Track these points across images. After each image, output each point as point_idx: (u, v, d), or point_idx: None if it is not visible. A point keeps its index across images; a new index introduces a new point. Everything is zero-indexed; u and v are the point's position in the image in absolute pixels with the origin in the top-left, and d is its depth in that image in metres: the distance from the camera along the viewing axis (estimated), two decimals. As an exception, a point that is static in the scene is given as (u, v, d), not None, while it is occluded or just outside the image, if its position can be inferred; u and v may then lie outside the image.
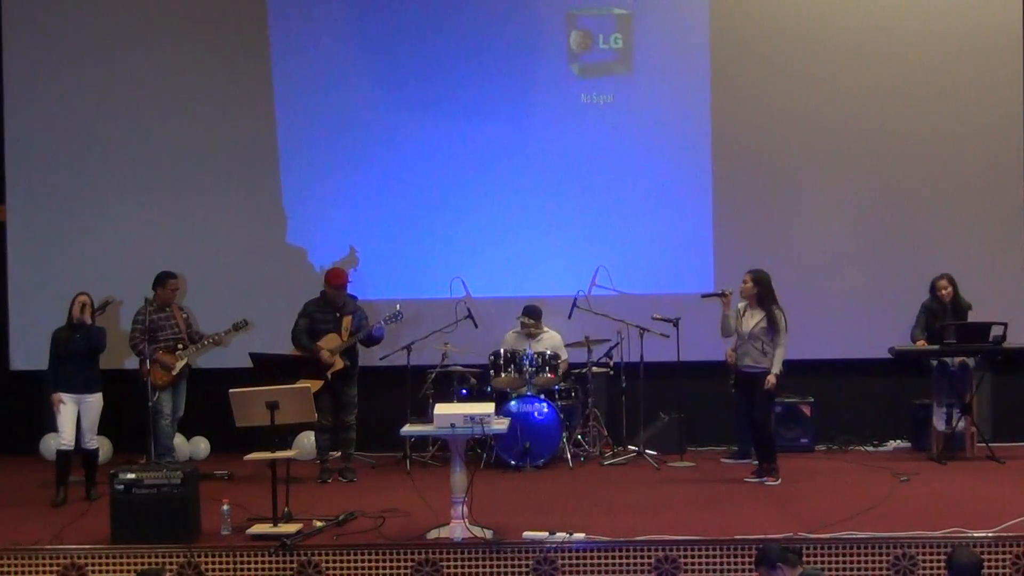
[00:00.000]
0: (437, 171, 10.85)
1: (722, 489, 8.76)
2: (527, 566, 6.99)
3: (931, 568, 6.85)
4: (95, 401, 8.82)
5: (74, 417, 8.73)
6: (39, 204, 10.97)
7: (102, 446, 10.31)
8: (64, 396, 8.71)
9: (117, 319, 10.26)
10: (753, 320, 8.86)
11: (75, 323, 8.74)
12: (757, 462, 9.08)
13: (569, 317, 10.21)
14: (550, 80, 10.83)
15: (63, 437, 8.72)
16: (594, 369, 10.27)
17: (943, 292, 9.76)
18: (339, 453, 9.70)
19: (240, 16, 10.93)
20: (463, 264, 10.73)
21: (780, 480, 8.87)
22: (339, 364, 9.46)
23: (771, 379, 8.82)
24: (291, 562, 7.05)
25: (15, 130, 11.02)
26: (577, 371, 10.33)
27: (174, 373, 9.51)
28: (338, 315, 9.56)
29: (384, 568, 7.03)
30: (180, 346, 9.55)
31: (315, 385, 8.84)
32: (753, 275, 8.95)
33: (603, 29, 10.84)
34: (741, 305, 9.01)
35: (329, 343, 9.46)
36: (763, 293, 8.92)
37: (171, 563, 7.05)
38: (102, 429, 10.13)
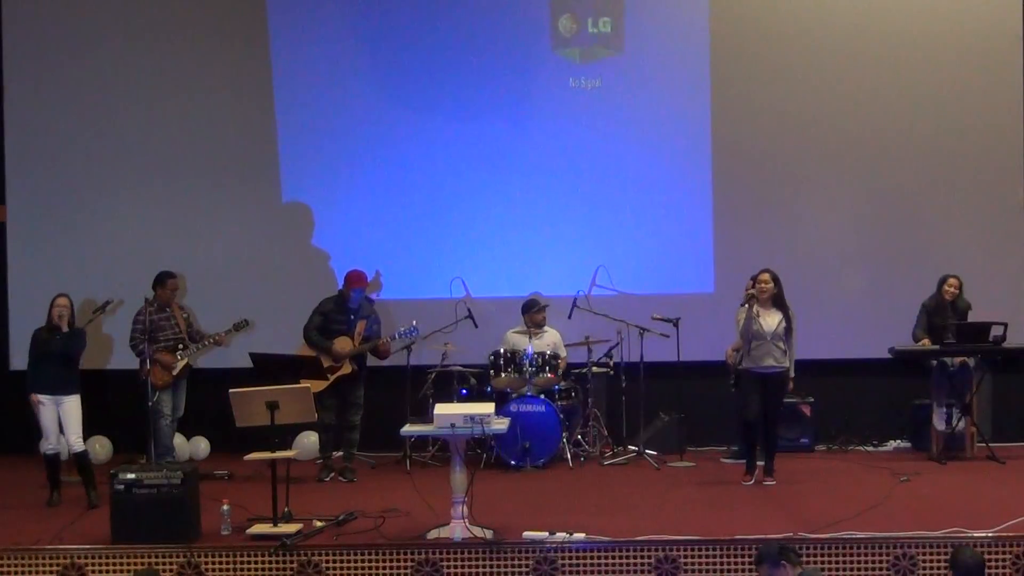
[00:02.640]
0: (437, 171, 10.85)
1: (722, 489, 8.76)
2: (527, 566, 6.99)
3: (931, 568, 6.85)
4: (73, 403, 8.71)
5: (55, 419, 8.67)
6: (39, 204, 10.98)
7: (102, 446, 10.38)
8: (42, 397, 8.65)
9: (117, 319, 10.26)
10: (775, 320, 8.79)
11: (53, 325, 8.69)
12: (762, 463, 9.02)
13: (569, 317, 10.22)
14: (548, 79, 10.81)
15: (48, 440, 8.68)
16: (594, 369, 10.27)
17: (950, 290, 9.76)
18: (340, 452, 9.70)
19: (240, 17, 10.93)
20: (463, 264, 10.74)
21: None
22: (347, 369, 9.46)
23: (791, 383, 8.94)
24: (291, 562, 7.05)
25: (15, 130, 11.03)
26: (577, 371, 10.33)
27: (174, 373, 9.51)
28: (352, 317, 9.56)
29: (384, 568, 7.04)
30: (180, 346, 9.54)
31: (316, 386, 8.85)
32: (772, 275, 8.87)
33: (590, 13, 10.81)
34: (753, 308, 8.84)
35: (341, 346, 9.46)
36: (780, 293, 8.90)
37: (171, 563, 7.05)
38: (102, 429, 10.20)
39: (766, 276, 8.87)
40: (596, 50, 10.85)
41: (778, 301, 8.87)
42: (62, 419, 8.69)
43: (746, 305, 8.85)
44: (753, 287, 8.92)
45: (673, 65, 10.79)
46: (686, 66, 10.78)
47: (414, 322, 9.70)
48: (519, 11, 10.85)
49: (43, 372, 8.70)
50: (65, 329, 8.68)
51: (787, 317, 8.84)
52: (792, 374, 8.92)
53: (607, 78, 10.81)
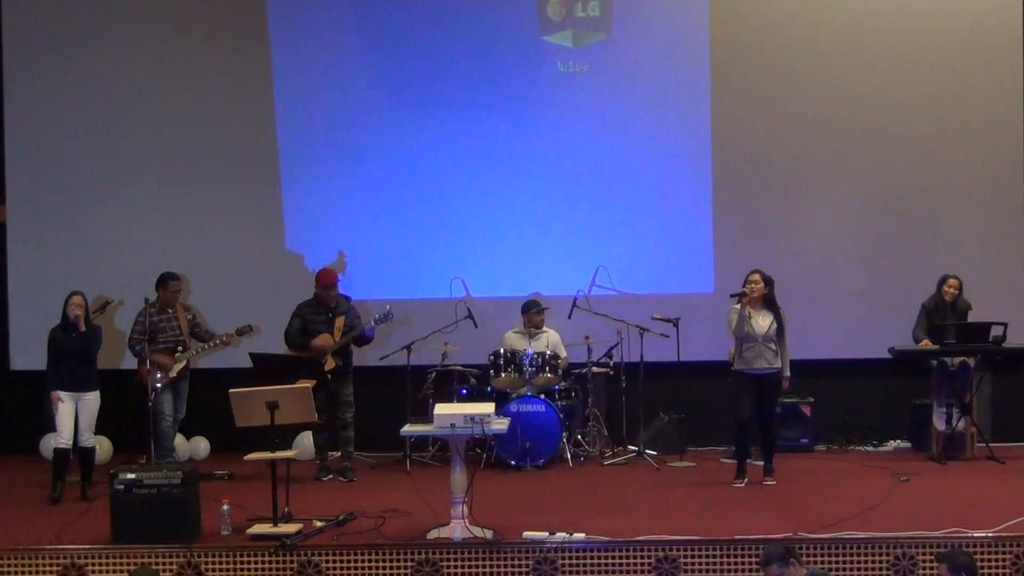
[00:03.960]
0: (437, 171, 10.85)
1: (722, 489, 8.76)
2: (527, 566, 6.99)
3: (931, 568, 6.84)
4: (92, 399, 8.85)
5: (72, 415, 8.77)
6: (39, 204, 10.98)
7: (102, 446, 10.35)
8: (62, 394, 8.74)
9: (116, 319, 10.26)
10: (766, 321, 8.76)
11: (70, 323, 8.75)
12: (761, 463, 9.04)
13: (569, 317, 10.22)
14: (548, 78, 10.82)
15: (61, 435, 8.76)
16: (594, 369, 10.26)
17: (949, 291, 9.75)
18: (339, 453, 9.70)
19: (240, 17, 10.94)
20: (463, 264, 10.74)
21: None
22: (330, 364, 9.47)
23: (786, 382, 8.90)
24: (291, 562, 7.04)
25: (15, 130, 11.03)
26: (577, 371, 10.33)
27: (171, 375, 9.49)
28: (330, 316, 9.59)
29: (384, 568, 7.03)
30: (179, 348, 9.54)
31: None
32: (762, 275, 8.85)
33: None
34: (745, 309, 8.78)
35: (322, 341, 9.48)
36: (770, 293, 8.89)
37: (171, 563, 7.05)
38: (102, 429, 10.16)
39: (756, 276, 8.85)
40: (588, 34, 10.82)
41: (769, 302, 8.85)
42: (79, 414, 8.79)
43: (737, 306, 8.82)
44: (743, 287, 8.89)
45: (672, 61, 10.78)
46: (685, 63, 10.77)
47: (387, 307, 9.71)
48: (516, 11, 10.85)
49: (63, 370, 8.78)
50: (83, 328, 8.73)
51: (778, 318, 8.81)
52: (787, 373, 8.89)
53: (600, 68, 10.77)
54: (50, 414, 8.95)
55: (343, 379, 9.59)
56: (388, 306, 9.74)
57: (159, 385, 9.25)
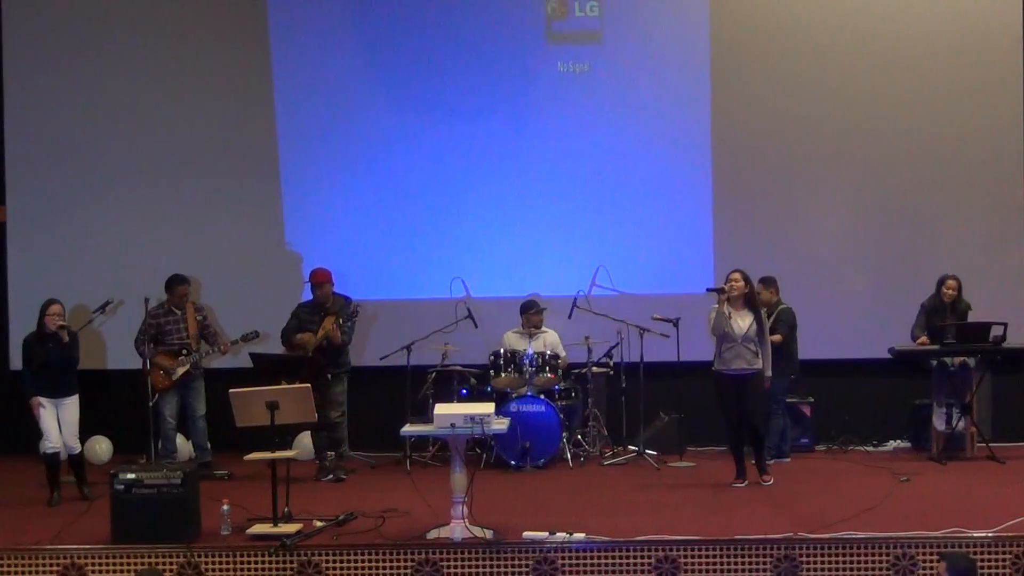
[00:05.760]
0: (436, 171, 10.85)
1: (722, 489, 8.76)
2: (527, 566, 6.99)
3: (931, 568, 6.84)
4: (72, 404, 8.82)
5: (55, 418, 8.74)
6: (39, 204, 10.98)
7: (102, 446, 10.38)
8: (43, 400, 8.71)
9: (116, 319, 10.27)
10: (745, 322, 8.72)
11: (48, 334, 8.69)
12: (755, 462, 9.04)
13: (569, 317, 10.22)
14: (548, 79, 10.81)
15: (49, 440, 8.73)
16: (594, 369, 10.27)
17: (948, 291, 9.75)
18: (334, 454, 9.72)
19: (240, 17, 10.94)
20: (463, 264, 10.74)
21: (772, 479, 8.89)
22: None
23: (768, 382, 8.87)
24: (291, 562, 7.05)
25: (15, 130, 11.03)
26: (577, 371, 10.33)
27: (173, 378, 9.47)
28: (323, 315, 9.61)
29: (384, 568, 7.04)
30: (184, 352, 9.51)
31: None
32: (743, 274, 8.83)
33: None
34: (724, 307, 8.75)
35: (304, 339, 9.53)
36: (752, 293, 8.88)
37: (171, 563, 7.05)
38: (102, 429, 10.21)
39: (737, 275, 8.81)
40: (588, 34, 10.82)
41: (750, 302, 8.83)
42: (61, 420, 8.76)
43: (715, 305, 8.80)
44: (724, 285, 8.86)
45: (672, 61, 10.78)
46: (685, 63, 10.77)
47: (353, 304, 9.70)
48: (516, 11, 10.84)
49: (42, 378, 8.75)
50: (66, 339, 8.69)
51: (759, 319, 8.79)
52: (768, 373, 8.85)
53: (600, 68, 10.76)
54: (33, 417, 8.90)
55: (334, 379, 9.61)
56: (354, 304, 9.73)
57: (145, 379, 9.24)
